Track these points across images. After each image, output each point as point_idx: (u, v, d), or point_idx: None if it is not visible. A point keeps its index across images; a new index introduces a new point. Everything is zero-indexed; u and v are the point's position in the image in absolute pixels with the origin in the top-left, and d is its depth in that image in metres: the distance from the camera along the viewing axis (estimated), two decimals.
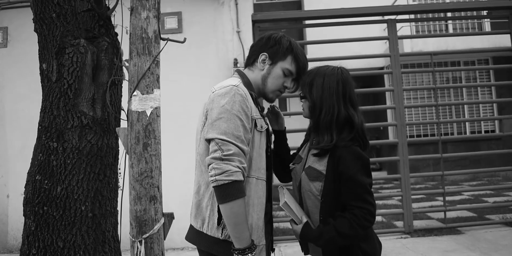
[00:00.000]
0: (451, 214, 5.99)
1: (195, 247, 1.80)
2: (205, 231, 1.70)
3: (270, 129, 1.96)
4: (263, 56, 1.84)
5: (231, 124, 1.62)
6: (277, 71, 1.83)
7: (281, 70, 1.83)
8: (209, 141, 1.65)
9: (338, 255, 1.76)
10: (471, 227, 5.39)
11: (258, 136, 1.73)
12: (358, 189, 1.71)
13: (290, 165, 1.99)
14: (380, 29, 9.98)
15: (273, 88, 1.85)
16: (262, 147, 1.75)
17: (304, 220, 1.78)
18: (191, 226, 1.79)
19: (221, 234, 1.66)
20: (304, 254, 1.99)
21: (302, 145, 2.07)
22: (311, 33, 11.00)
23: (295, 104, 11.73)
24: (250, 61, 1.90)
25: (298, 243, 5.67)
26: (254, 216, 1.69)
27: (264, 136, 1.79)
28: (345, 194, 1.73)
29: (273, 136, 2.09)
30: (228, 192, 1.55)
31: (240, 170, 1.58)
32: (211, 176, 1.57)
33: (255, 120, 1.72)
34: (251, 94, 1.77)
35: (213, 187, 1.58)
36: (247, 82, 1.82)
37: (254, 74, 1.87)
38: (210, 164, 1.59)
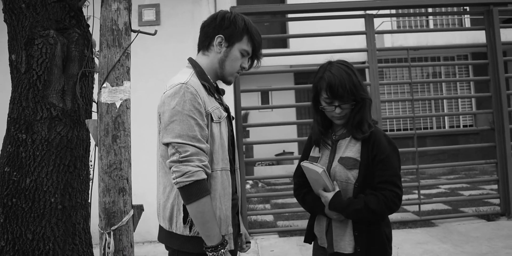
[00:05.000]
0: (426, 207, 6.08)
1: None
2: (174, 231, 1.69)
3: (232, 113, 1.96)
4: (219, 38, 1.77)
5: (184, 125, 1.60)
6: (235, 53, 1.79)
7: (239, 52, 1.79)
8: (166, 144, 1.64)
9: (367, 240, 1.82)
10: (445, 220, 5.49)
11: (217, 127, 1.71)
12: (389, 171, 1.80)
13: (302, 163, 1.97)
14: (362, 24, 10.04)
15: (231, 71, 1.82)
16: (223, 137, 1.74)
17: (337, 189, 1.85)
18: (160, 227, 1.79)
19: (190, 232, 1.66)
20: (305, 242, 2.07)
21: (307, 148, 2.08)
22: (293, 27, 11.02)
23: (277, 97, 11.76)
24: (205, 44, 1.82)
25: (273, 236, 5.65)
26: (222, 207, 1.70)
27: (225, 124, 1.77)
28: (377, 177, 1.81)
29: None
30: (191, 192, 1.56)
31: (201, 169, 1.58)
32: (173, 179, 1.58)
33: (211, 114, 1.69)
34: (204, 86, 1.73)
35: (178, 188, 1.60)
36: (200, 72, 1.78)
37: (210, 59, 1.81)
38: (170, 168, 1.60)
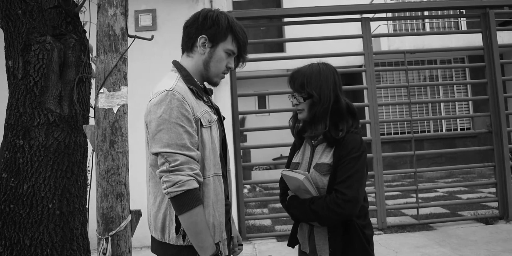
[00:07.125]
0: (425, 211, 6.09)
1: None
2: (167, 241, 1.66)
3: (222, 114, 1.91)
4: (202, 39, 1.71)
5: (172, 134, 1.56)
6: (220, 54, 1.73)
7: (224, 52, 1.74)
8: (156, 154, 1.60)
9: (342, 242, 1.81)
10: (443, 223, 5.50)
11: (207, 132, 1.67)
12: (348, 172, 1.75)
13: (282, 172, 1.95)
14: (359, 28, 10.08)
15: (217, 72, 1.76)
16: (215, 141, 1.70)
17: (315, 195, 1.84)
18: (152, 238, 1.75)
19: (183, 241, 1.63)
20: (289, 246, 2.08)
21: (291, 154, 2.10)
22: (290, 31, 11.05)
23: (274, 101, 11.77)
24: (189, 45, 1.77)
25: (271, 240, 5.66)
26: (216, 214, 1.67)
27: (216, 128, 1.73)
28: (337, 177, 1.77)
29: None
30: (182, 202, 1.53)
31: (192, 178, 1.54)
32: (164, 189, 1.54)
33: (200, 119, 1.65)
34: (191, 90, 1.69)
35: (169, 199, 1.56)
36: (186, 76, 1.73)
37: (194, 61, 1.76)
38: (161, 177, 1.57)
